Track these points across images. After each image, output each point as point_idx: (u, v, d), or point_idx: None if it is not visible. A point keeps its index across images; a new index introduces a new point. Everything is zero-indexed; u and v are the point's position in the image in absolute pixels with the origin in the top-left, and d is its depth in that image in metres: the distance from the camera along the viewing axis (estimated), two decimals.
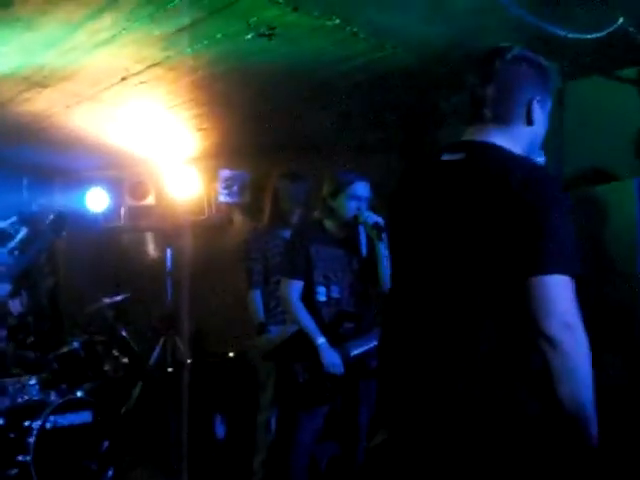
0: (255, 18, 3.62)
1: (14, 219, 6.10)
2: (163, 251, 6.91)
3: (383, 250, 4.02)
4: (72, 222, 5.38)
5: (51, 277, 8.40)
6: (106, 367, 5.75)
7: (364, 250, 4.21)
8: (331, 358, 4.00)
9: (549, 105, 2.36)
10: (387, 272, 4.02)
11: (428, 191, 2.29)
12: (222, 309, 6.68)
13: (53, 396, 4.93)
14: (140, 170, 7.19)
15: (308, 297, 4.14)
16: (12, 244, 5.70)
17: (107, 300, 6.45)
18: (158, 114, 5.41)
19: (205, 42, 3.94)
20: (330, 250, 4.18)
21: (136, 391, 6.18)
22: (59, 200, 7.73)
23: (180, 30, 3.77)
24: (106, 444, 4.89)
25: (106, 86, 4.74)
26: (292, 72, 4.46)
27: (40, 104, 5.17)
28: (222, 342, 6.49)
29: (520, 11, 3.37)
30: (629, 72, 4.34)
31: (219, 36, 3.85)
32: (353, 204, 4.08)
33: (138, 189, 7.18)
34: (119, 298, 6.52)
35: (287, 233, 4.62)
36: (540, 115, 2.30)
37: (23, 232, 5.87)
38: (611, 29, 3.46)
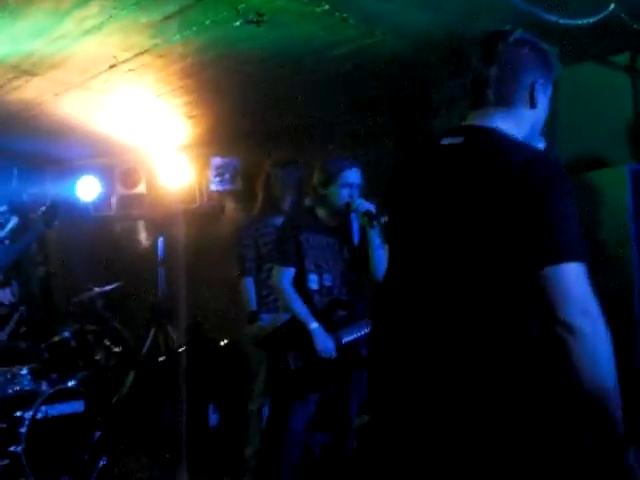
0: (244, 5, 3.59)
1: (4, 208, 6.06)
2: (155, 240, 6.88)
3: (375, 238, 4.01)
4: (63, 211, 5.34)
5: (42, 266, 8.38)
6: (97, 356, 5.74)
7: (356, 238, 4.20)
8: (324, 343, 4.00)
9: (550, 90, 2.35)
10: (379, 260, 4.01)
11: (428, 175, 2.28)
12: (214, 297, 6.67)
13: (44, 386, 4.91)
14: (131, 158, 7.16)
15: (300, 285, 4.13)
16: (2, 234, 5.66)
17: (98, 289, 6.44)
18: (148, 102, 5.38)
19: (194, 29, 3.90)
20: (321, 238, 4.17)
21: (128, 380, 6.17)
22: (50, 189, 7.70)
23: (168, 17, 3.74)
24: (98, 434, 4.87)
25: (94, 74, 4.70)
26: (281, 58, 4.43)
27: (29, 92, 5.14)
28: (215, 330, 6.48)
29: None
30: (622, 58, 4.32)
31: (207, 23, 3.82)
32: (345, 192, 4.06)
33: (129, 177, 7.16)
34: (110, 287, 6.50)
35: (279, 220, 4.60)
36: (542, 99, 2.29)
37: (13, 222, 5.83)
38: (602, 15, 3.44)
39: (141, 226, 7.85)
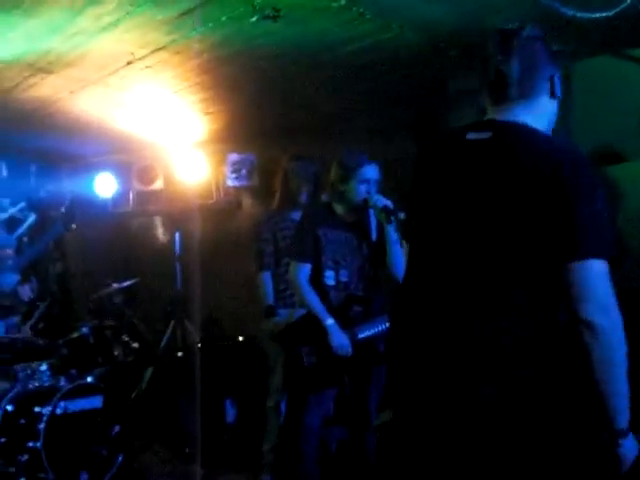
0: (260, 0, 3.59)
1: (23, 205, 6.11)
2: (172, 235, 6.90)
3: (392, 234, 4.00)
4: (81, 208, 5.37)
5: (60, 263, 8.43)
6: (116, 352, 5.76)
7: (374, 234, 4.19)
8: (339, 339, 3.99)
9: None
10: (396, 255, 4.00)
11: (455, 171, 2.28)
12: (231, 293, 6.68)
13: (63, 382, 4.93)
14: (148, 154, 7.18)
15: (317, 281, 4.12)
16: (20, 230, 5.70)
17: (116, 285, 6.46)
18: (164, 98, 5.39)
19: (210, 25, 3.90)
20: (339, 234, 4.16)
21: (147, 375, 6.19)
22: (67, 186, 7.73)
23: (184, 13, 3.73)
24: (116, 429, 4.89)
25: (111, 71, 4.71)
26: (298, 54, 4.42)
27: (45, 90, 5.16)
28: (232, 326, 6.50)
29: None
30: (638, 51, 4.28)
31: (224, 19, 3.81)
32: (363, 188, 4.04)
33: (146, 174, 7.19)
34: (128, 283, 6.52)
35: (297, 215, 4.60)
36: (559, 90, 2.31)
37: (32, 218, 5.88)
38: (619, 8, 3.40)
39: (158, 222, 7.88)
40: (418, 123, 5.48)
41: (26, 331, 5.52)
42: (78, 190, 7.11)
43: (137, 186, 7.24)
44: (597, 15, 3.48)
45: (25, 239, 6.05)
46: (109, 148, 7.34)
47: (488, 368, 2.05)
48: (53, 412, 4.60)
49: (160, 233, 7.87)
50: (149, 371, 6.22)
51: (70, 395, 4.75)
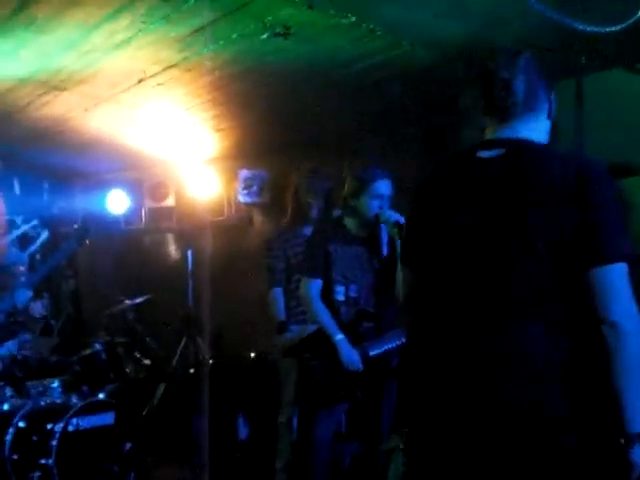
0: (270, 17, 3.61)
1: (35, 222, 6.13)
2: (184, 252, 6.90)
3: None
4: (93, 225, 5.38)
5: (72, 279, 8.45)
6: (128, 369, 5.76)
7: (385, 249, 4.18)
8: (349, 355, 3.98)
9: None
10: None
11: (470, 189, 2.28)
12: (243, 309, 6.66)
13: (75, 398, 4.93)
14: (159, 171, 7.21)
15: (327, 296, 4.12)
16: (33, 247, 5.72)
17: (128, 302, 6.47)
18: (176, 115, 5.41)
19: (221, 43, 3.93)
20: (350, 249, 4.15)
21: (158, 392, 6.18)
22: (80, 203, 7.76)
23: (196, 31, 3.77)
24: (128, 446, 4.88)
25: (123, 88, 4.75)
26: (309, 71, 4.44)
27: (58, 107, 5.19)
28: (244, 342, 6.48)
29: (540, 5, 3.32)
30: None
31: (235, 36, 3.84)
32: (375, 203, 4.04)
33: (158, 190, 7.21)
34: (140, 299, 6.52)
35: (308, 230, 4.61)
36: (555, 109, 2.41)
37: (44, 235, 5.89)
38: (631, 21, 3.40)
39: (170, 239, 7.88)
40: (429, 139, 5.47)
41: (47, 347, 5.54)
42: (90, 207, 7.15)
43: (149, 203, 7.28)
44: (608, 29, 3.48)
45: (38, 256, 6.08)
46: (121, 165, 7.37)
47: (520, 384, 2.06)
48: (65, 429, 4.60)
49: (172, 250, 7.87)
50: (161, 388, 6.21)
51: (82, 412, 4.75)
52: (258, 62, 4.28)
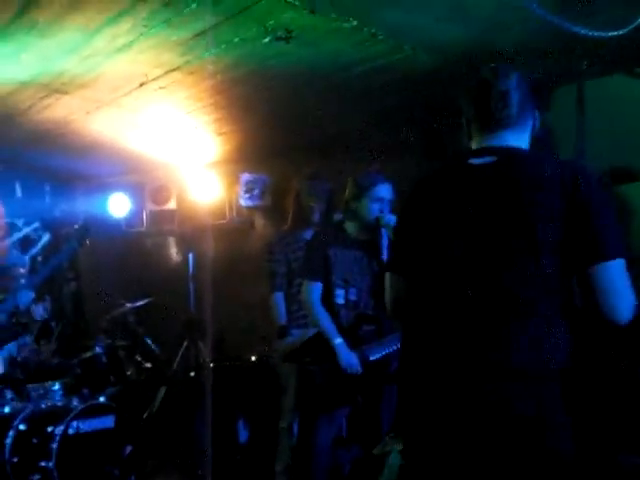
0: (272, 21, 3.61)
1: (37, 225, 6.13)
2: (185, 255, 6.91)
3: None
4: (95, 227, 5.39)
5: (74, 282, 8.45)
6: (128, 372, 5.77)
7: (385, 253, 4.18)
8: (348, 359, 3.98)
9: None
10: None
11: (462, 195, 2.31)
12: (245, 313, 6.66)
13: (75, 401, 4.94)
14: (161, 175, 7.20)
15: (327, 300, 4.13)
16: (35, 250, 5.72)
17: (130, 305, 6.47)
18: (178, 119, 5.41)
19: (223, 46, 3.93)
20: (350, 253, 4.16)
21: (159, 395, 6.18)
22: (81, 206, 7.77)
23: (197, 35, 3.77)
24: (129, 449, 4.89)
25: (125, 92, 4.75)
26: (311, 75, 4.44)
27: (60, 111, 5.19)
28: (245, 346, 6.48)
29: (541, 10, 3.33)
30: None
31: (237, 40, 3.84)
32: (376, 206, 4.06)
33: (159, 194, 7.21)
34: (142, 303, 6.53)
35: (309, 234, 4.61)
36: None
37: (46, 238, 5.89)
38: (632, 26, 3.41)
39: (172, 242, 7.88)
40: (430, 143, 5.47)
41: (46, 351, 5.54)
42: (92, 210, 7.15)
43: (150, 206, 7.27)
44: (609, 34, 3.48)
45: (39, 258, 6.08)
46: (123, 168, 7.37)
47: (520, 384, 2.09)
48: (65, 432, 4.61)
49: (173, 253, 7.87)
50: (162, 391, 6.21)
51: (83, 415, 4.76)
52: (260, 66, 4.28)
